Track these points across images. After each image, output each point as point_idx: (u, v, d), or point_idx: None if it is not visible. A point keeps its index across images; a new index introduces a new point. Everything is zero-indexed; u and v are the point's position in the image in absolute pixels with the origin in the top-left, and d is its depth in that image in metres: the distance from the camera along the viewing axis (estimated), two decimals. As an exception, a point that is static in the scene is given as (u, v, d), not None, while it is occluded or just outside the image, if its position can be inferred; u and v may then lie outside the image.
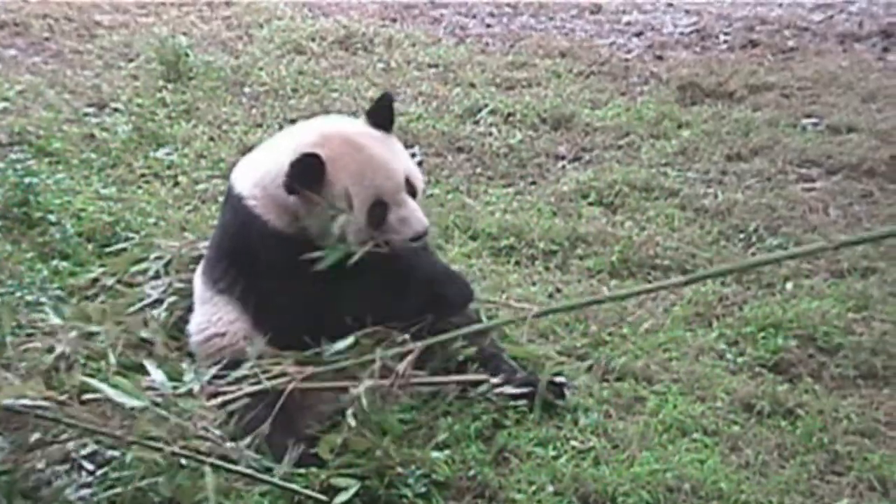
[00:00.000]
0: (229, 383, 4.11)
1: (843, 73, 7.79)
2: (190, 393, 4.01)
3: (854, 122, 6.97)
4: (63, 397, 3.81)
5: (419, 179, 4.46)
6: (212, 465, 3.75)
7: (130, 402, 3.83)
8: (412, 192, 4.37)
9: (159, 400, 3.86)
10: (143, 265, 5.09)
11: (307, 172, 4.21)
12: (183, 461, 3.77)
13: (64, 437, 3.83)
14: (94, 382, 3.91)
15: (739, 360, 4.76)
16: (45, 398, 3.77)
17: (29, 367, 3.98)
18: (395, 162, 4.36)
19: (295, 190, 4.24)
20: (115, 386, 3.87)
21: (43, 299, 4.79)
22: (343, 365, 4.16)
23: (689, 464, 4.10)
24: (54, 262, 5.21)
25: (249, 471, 3.88)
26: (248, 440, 3.94)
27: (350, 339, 4.21)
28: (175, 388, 3.95)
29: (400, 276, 4.31)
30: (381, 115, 4.47)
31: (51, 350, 4.09)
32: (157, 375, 3.99)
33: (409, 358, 4.13)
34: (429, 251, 4.62)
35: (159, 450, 3.77)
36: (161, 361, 4.16)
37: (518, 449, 4.18)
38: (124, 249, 5.32)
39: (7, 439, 3.76)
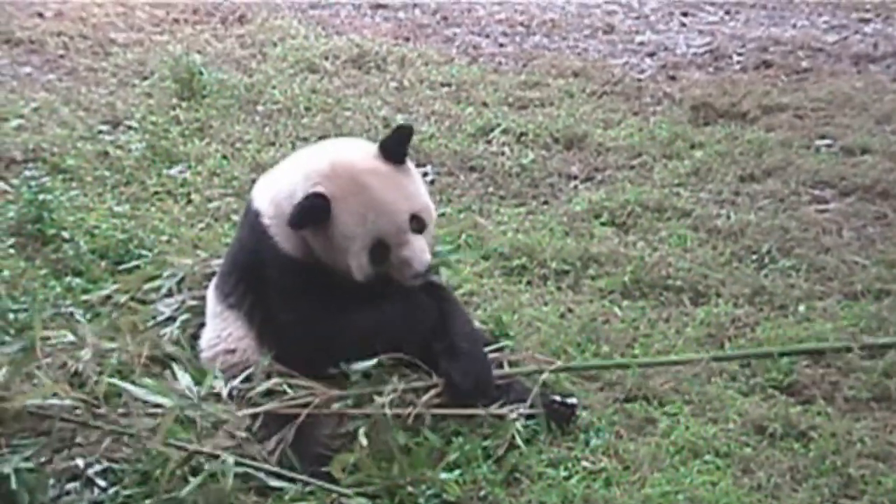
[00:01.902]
0: (259, 395, 4.16)
1: (858, 95, 7.78)
2: (217, 396, 4.04)
3: (868, 143, 6.97)
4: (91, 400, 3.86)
5: (429, 212, 4.46)
6: (239, 464, 3.81)
7: (159, 399, 3.88)
8: (420, 227, 4.38)
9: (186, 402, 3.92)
10: (156, 283, 5.10)
11: (313, 212, 4.26)
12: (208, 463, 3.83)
13: (93, 439, 3.85)
14: (121, 383, 3.97)
15: (752, 381, 4.75)
16: (75, 399, 3.82)
17: (55, 374, 4.02)
18: (400, 202, 4.34)
19: (300, 227, 4.28)
20: (142, 387, 3.92)
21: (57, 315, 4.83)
22: (363, 392, 4.20)
23: (700, 486, 4.10)
24: (67, 279, 5.24)
25: (276, 469, 3.96)
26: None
27: (372, 362, 4.24)
28: (199, 392, 4.01)
29: (413, 325, 4.35)
30: (394, 146, 4.45)
31: (68, 364, 4.13)
32: (183, 380, 4.04)
33: (430, 395, 4.21)
34: (456, 304, 4.63)
35: (185, 449, 3.81)
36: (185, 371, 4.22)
37: (529, 469, 4.18)
38: (137, 267, 5.34)
39: (32, 442, 3.78)
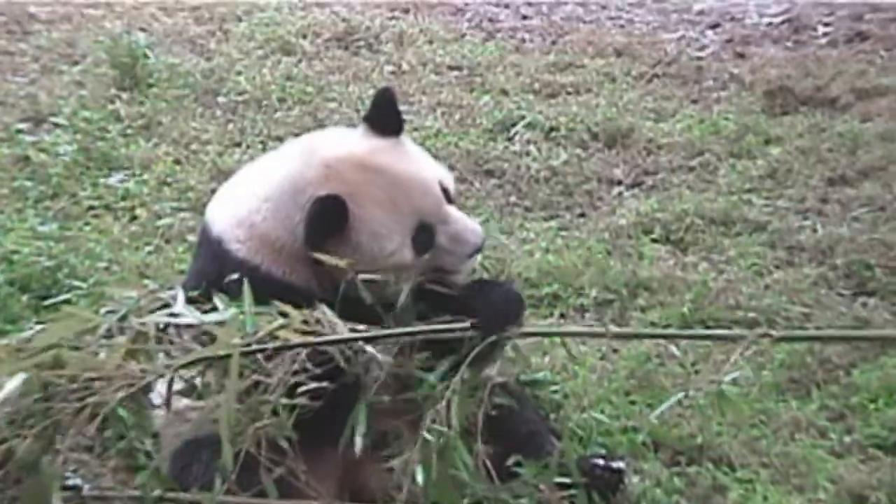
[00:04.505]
0: None
1: (974, 73, 7.82)
2: None
3: None
4: None
5: (451, 180, 4.48)
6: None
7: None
8: (449, 199, 4.40)
9: None
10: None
11: (329, 218, 4.22)
12: None
13: None
14: None
15: (847, 438, 4.74)
16: None
17: None
18: (425, 171, 4.38)
19: (321, 243, 4.25)
20: None
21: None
22: None
23: (783, 572, 4.10)
24: (-21, 318, 5.26)
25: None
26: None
27: None
28: None
29: None
30: (385, 115, 4.46)
31: None
32: None
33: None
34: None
35: None
36: None
37: (566, 552, 4.19)
38: (68, 301, 5.35)
39: None
